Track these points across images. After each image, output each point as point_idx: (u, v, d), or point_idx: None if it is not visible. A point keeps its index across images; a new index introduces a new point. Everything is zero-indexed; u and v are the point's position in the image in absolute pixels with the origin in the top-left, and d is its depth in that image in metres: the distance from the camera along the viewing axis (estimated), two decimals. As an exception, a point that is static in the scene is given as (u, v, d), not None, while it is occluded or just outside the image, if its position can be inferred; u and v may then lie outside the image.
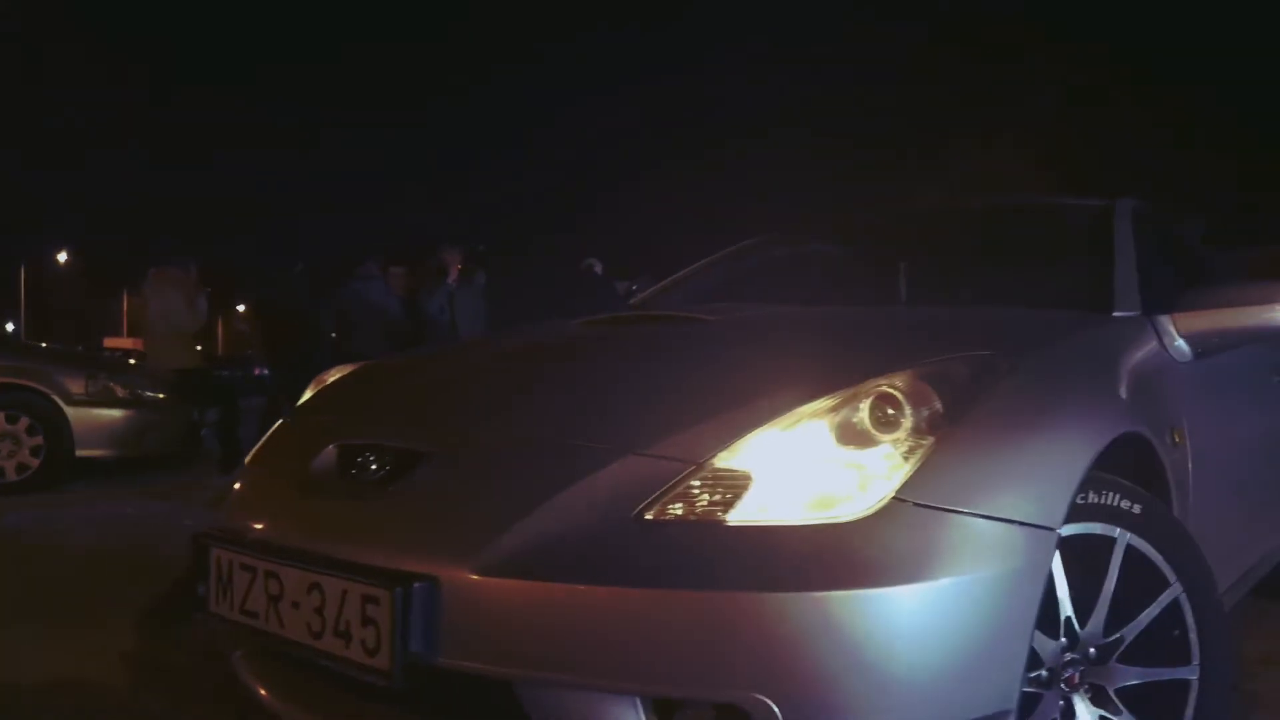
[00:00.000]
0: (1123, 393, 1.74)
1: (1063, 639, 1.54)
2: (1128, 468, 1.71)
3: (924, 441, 1.35)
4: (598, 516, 1.30)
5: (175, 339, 6.38)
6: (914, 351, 1.55)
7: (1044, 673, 1.52)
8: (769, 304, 2.33)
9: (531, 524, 1.30)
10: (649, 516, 1.29)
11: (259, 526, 1.59)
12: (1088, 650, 1.56)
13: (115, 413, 5.70)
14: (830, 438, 1.36)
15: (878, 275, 2.89)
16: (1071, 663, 1.55)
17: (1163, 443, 1.78)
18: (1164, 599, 1.61)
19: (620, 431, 1.43)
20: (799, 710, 1.19)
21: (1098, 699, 1.57)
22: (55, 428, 5.54)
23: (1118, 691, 1.59)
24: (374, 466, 1.53)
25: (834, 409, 1.38)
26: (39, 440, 5.52)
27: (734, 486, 1.31)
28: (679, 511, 1.29)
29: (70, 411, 5.56)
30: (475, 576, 1.26)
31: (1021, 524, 1.34)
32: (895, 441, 1.35)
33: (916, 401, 1.39)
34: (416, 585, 1.27)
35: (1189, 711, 1.62)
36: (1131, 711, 1.59)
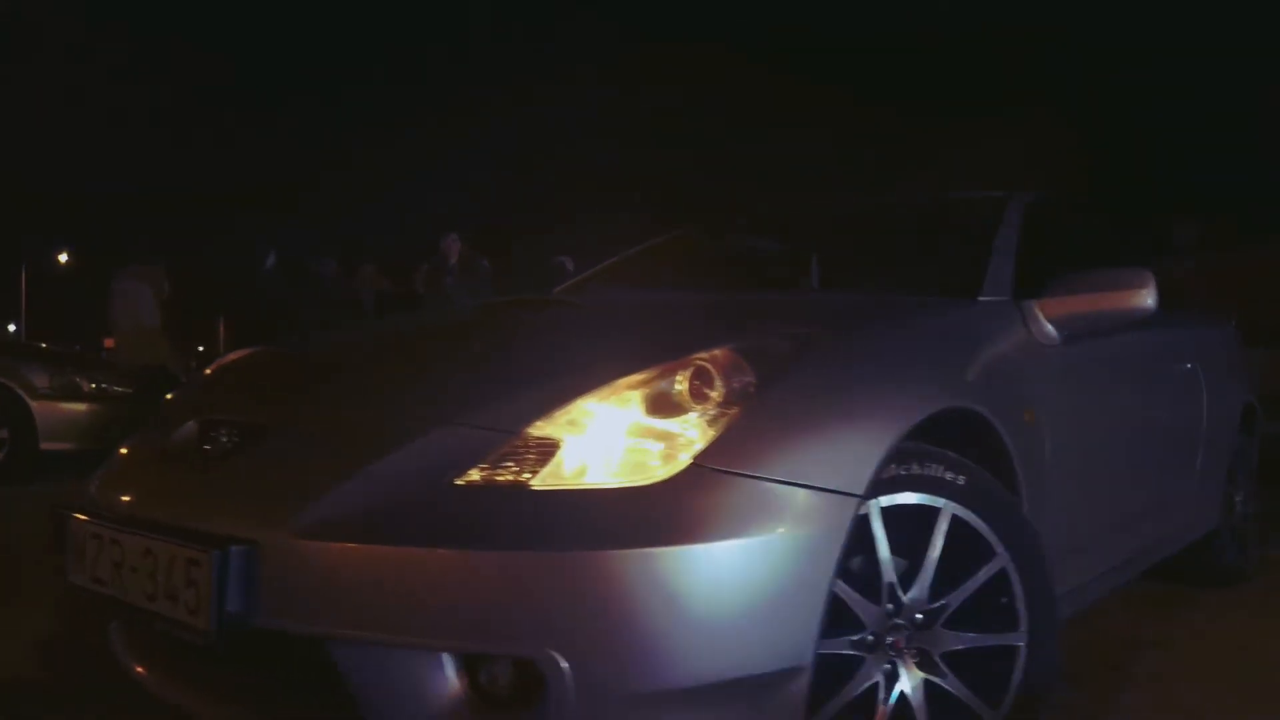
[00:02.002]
0: (960, 371, 1.81)
1: (887, 605, 1.60)
2: (970, 444, 1.78)
3: (730, 411, 1.42)
4: (413, 483, 1.36)
5: (142, 336, 6.47)
6: (743, 329, 1.62)
7: (868, 637, 1.58)
8: (652, 289, 2.40)
9: (349, 490, 1.37)
10: (460, 482, 1.36)
11: (113, 497, 1.66)
12: (913, 616, 1.62)
13: (80, 406, 5.79)
14: (641, 408, 1.43)
15: (790, 265, 2.97)
16: (897, 628, 1.61)
17: (1009, 422, 1.83)
18: (991, 567, 1.68)
19: (444, 403, 1.50)
20: (589, 664, 1.26)
21: (924, 664, 1.63)
22: (20, 421, 5.63)
23: (944, 656, 1.66)
24: (224, 440, 1.60)
25: (648, 381, 1.45)
26: (4, 434, 5.61)
27: (544, 453, 1.38)
28: (490, 477, 1.36)
29: (35, 405, 5.65)
30: (292, 540, 1.33)
31: (819, 489, 1.40)
32: (703, 411, 1.42)
33: (729, 374, 1.46)
34: (234, 548, 1.34)
35: (1016, 676, 1.69)
36: (959, 676, 1.66)
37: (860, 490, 1.45)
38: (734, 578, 1.32)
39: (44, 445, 5.70)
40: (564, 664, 1.25)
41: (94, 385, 5.91)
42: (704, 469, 1.35)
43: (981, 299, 2.14)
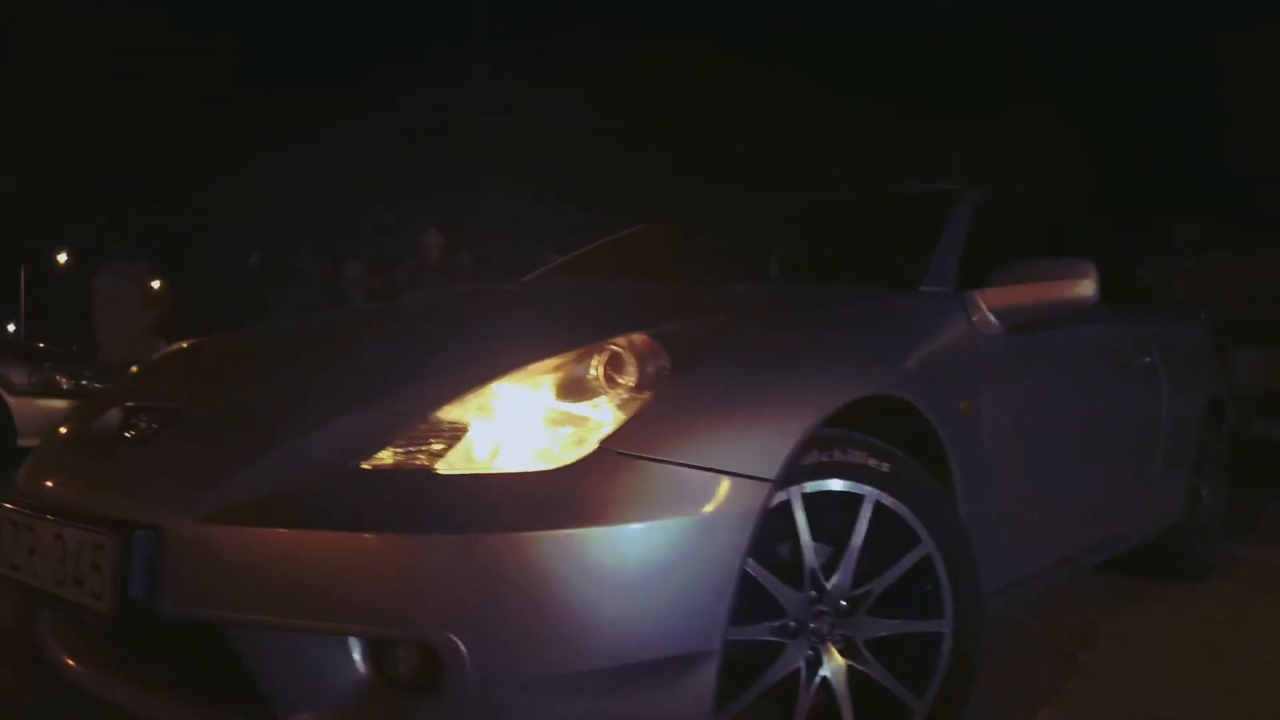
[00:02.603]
0: (889, 359, 1.80)
1: (810, 591, 1.60)
2: (904, 433, 1.78)
3: (642, 395, 1.42)
4: (318, 467, 1.36)
5: (126, 333, 6.46)
6: (666, 316, 1.62)
7: (790, 623, 1.58)
8: (605, 280, 2.41)
9: (254, 474, 1.36)
10: (366, 466, 1.36)
11: (34, 484, 1.66)
12: (837, 602, 1.62)
13: (59, 403, 5.78)
14: (552, 392, 1.43)
15: (750, 258, 2.97)
16: (820, 614, 1.61)
17: (941, 411, 1.83)
18: (915, 554, 1.68)
19: (356, 388, 1.50)
20: (488, 648, 1.26)
21: (848, 650, 1.63)
22: (-2, 417, 5.64)
23: (869, 642, 1.66)
24: (143, 426, 1.60)
25: (562, 365, 1.45)
26: (-18, 430, 5.62)
27: (452, 437, 1.37)
28: (396, 461, 1.36)
29: (13, 401, 5.65)
30: (196, 524, 1.33)
31: (729, 474, 1.40)
32: (613, 395, 1.42)
33: (644, 359, 1.46)
34: (138, 533, 1.33)
35: (941, 663, 1.69)
36: (884, 663, 1.66)
37: (773, 475, 1.44)
38: (638, 561, 1.32)
39: (22, 441, 5.70)
40: (463, 647, 1.24)
41: (73, 382, 5.91)
42: (610, 453, 1.35)
43: (923, 289, 2.14)
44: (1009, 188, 2.94)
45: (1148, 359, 2.94)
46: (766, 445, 1.46)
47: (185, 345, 2.26)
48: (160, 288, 7.05)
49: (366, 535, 1.29)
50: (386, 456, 1.36)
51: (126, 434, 1.61)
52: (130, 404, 1.69)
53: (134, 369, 2.15)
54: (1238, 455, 6.96)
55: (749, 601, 1.56)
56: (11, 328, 44.03)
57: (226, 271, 6.87)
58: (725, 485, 1.40)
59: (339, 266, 7.24)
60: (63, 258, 47.92)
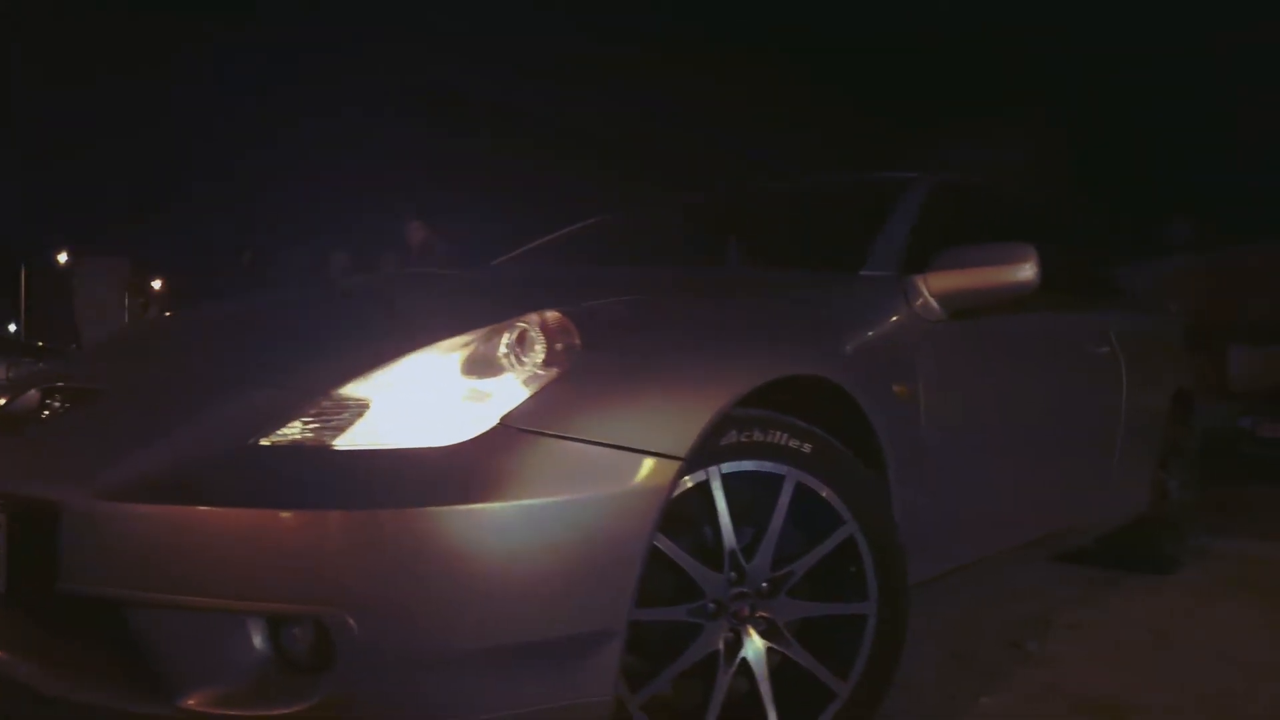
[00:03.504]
0: (815, 341, 1.79)
1: (730, 572, 1.59)
2: (837, 415, 1.77)
3: (549, 373, 1.40)
4: (217, 443, 1.35)
5: (106, 324, 6.47)
6: (584, 295, 1.61)
7: (710, 604, 1.57)
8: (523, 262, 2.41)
9: (153, 451, 1.36)
10: (266, 442, 1.35)
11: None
12: (758, 584, 1.61)
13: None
14: (457, 368, 1.42)
15: (707, 246, 2.97)
16: (740, 596, 1.60)
17: (872, 393, 1.82)
18: (838, 536, 1.67)
19: (261, 365, 1.49)
20: (383, 625, 1.25)
21: (769, 632, 1.62)
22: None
23: (792, 625, 1.64)
24: (56, 405, 1.59)
25: (470, 342, 1.44)
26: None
27: (354, 413, 1.36)
28: (294, 437, 1.35)
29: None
30: (93, 501, 1.32)
31: (635, 451, 1.39)
32: (521, 372, 1.41)
33: (554, 336, 1.45)
34: (33, 509, 1.33)
35: (865, 645, 1.68)
36: (807, 644, 1.64)
37: (682, 454, 1.43)
38: (537, 538, 1.30)
39: None
40: (354, 624, 1.23)
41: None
42: (511, 429, 1.33)
43: (863, 273, 2.12)
44: (966, 175, 2.93)
45: (1105, 349, 2.92)
46: (676, 424, 1.45)
47: (140, 321, 2.25)
48: (143, 280, 7.06)
49: (262, 512, 1.27)
50: (287, 433, 1.35)
51: (42, 414, 1.60)
52: (50, 385, 1.68)
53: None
54: (1224, 451, 6.99)
55: (666, 582, 1.55)
56: (12, 327, 44.13)
57: (217, 265, 6.88)
58: (631, 463, 1.38)
59: (325, 257, 7.24)
60: (63, 258, 48.10)
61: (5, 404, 1.72)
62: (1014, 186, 3.42)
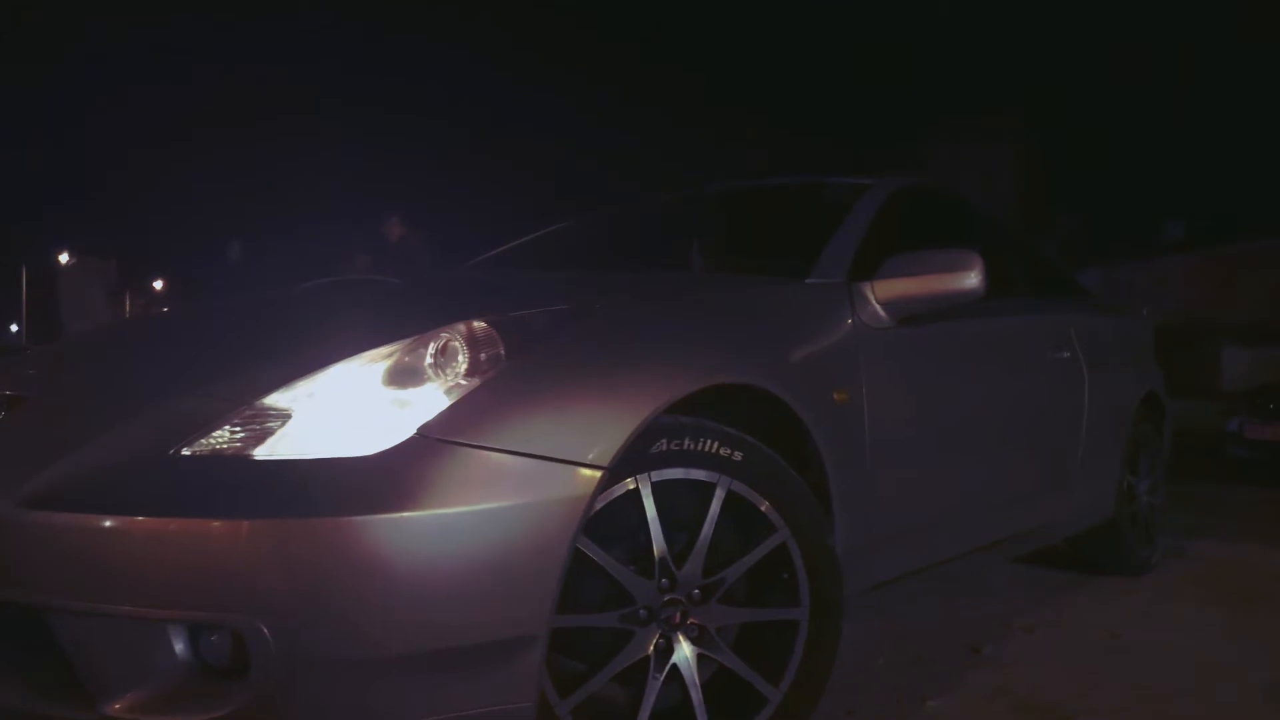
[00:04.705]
0: (751, 348, 1.81)
1: (662, 579, 1.61)
2: (777, 422, 1.79)
3: (469, 382, 1.42)
4: (139, 452, 1.37)
5: (91, 324, 6.50)
6: (506, 304, 1.63)
7: (641, 611, 1.59)
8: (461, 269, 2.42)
9: (76, 460, 1.37)
10: (187, 452, 1.37)
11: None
12: (689, 590, 1.63)
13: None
14: (380, 379, 1.43)
15: (666, 250, 2.99)
16: (672, 603, 1.62)
17: (809, 400, 1.83)
18: (770, 543, 1.68)
19: (185, 374, 1.51)
20: (297, 633, 1.26)
21: (701, 638, 1.64)
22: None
23: (725, 631, 1.66)
24: None
25: (394, 353, 1.46)
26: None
27: (273, 423, 1.38)
28: (215, 446, 1.37)
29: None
30: (14, 509, 1.34)
31: (556, 460, 1.40)
32: (442, 382, 1.43)
33: (477, 347, 1.47)
34: None
35: (797, 651, 1.69)
36: (738, 651, 1.66)
37: (606, 462, 1.45)
38: (453, 547, 1.32)
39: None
40: (267, 632, 1.25)
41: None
42: (429, 439, 1.35)
43: (809, 280, 2.14)
44: (928, 181, 2.94)
45: (1065, 352, 2.93)
46: (601, 433, 1.46)
47: (95, 328, 2.27)
48: (144, 282, 7.10)
49: (180, 520, 1.29)
50: (209, 442, 1.37)
51: None
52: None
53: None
54: (1216, 454, 6.99)
55: (599, 588, 1.57)
56: (14, 328, 44.15)
57: (206, 263, 6.91)
58: (552, 472, 1.40)
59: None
60: (64, 258, 48.10)
61: None
62: (970, 190, 3.43)
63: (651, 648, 1.59)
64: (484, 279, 2.22)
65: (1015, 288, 2.97)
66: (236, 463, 1.35)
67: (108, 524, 1.31)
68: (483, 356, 1.46)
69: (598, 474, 1.44)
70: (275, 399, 1.41)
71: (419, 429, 1.36)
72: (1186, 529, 4.21)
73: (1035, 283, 3.22)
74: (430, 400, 1.40)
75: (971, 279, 2.10)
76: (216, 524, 1.28)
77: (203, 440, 1.37)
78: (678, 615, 1.62)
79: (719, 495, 1.64)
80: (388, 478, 1.31)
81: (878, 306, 2.14)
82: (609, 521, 1.55)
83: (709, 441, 1.64)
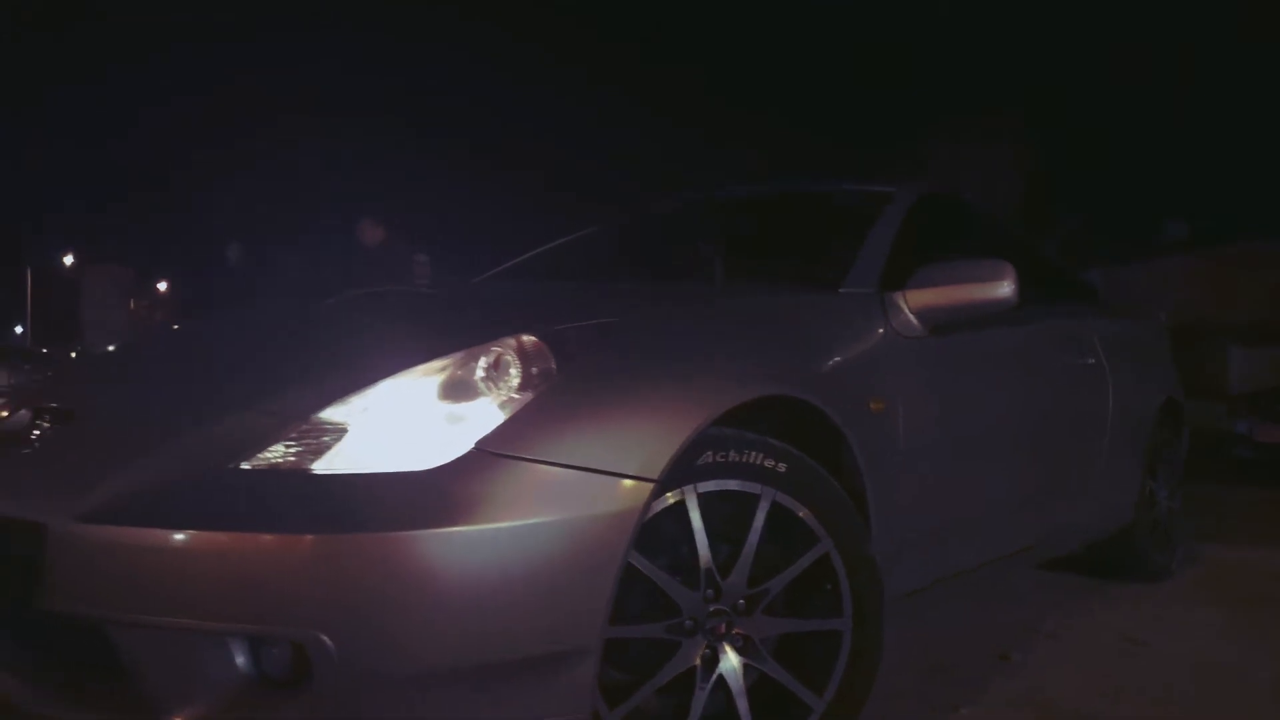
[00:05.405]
0: (790, 359, 1.82)
1: (706, 590, 1.62)
2: (815, 432, 1.80)
3: (522, 396, 1.44)
4: (198, 467, 1.39)
5: (110, 329, 6.53)
6: (560, 317, 1.64)
7: (687, 621, 1.60)
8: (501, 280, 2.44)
9: (136, 474, 1.39)
10: (246, 466, 1.38)
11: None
12: (734, 601, 1.64)
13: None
14: (434, 393, 1.45)
15: (689, 256, 3.00)
16: (717, 613, 1.63)
17: (847, 411, 1.84)
18: (813, 554, 1.69)
19: (240, 389, 1.53)
20: (358, 646, 1.28)
21: (746, 649, 1.65)
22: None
23: (768, 641, 1.67)
24: (45, 426, 1.63)
25: (447, 367, 1.47)
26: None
27: (329, 438, 1.40)
28: (273, 461, 1.38)
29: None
30: (76, 523, 1.35)
31: (609, 474, 1.42)
32: (496, 396, 1.44)
33: (528, 361, 1.48)
34: (18, 531, 1.36)
35: (840, 660, 1.71)
36: (783, 660, 1.68)
37: (656, 475, 1.46)
38: (511, 560, 1.34)
39: None
40: (330, 645, 1.27)
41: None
42: (486, 453, 1.37)
43: (842, 290, 2.15)
44: (947, 188, 2.95)
45: (1091, 360, 2.95)
46: (650, 446, 1.48)
47: (128, 341, 2.29)
48: (148, 285, 7.11)
49: (241, 535, 1.31)
50: (266, 457, 1.38)
51: (31, 434, 1.64)
52: (42, 404, 1.72)
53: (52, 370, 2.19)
54: (1222, 456, 7.00)
55: (644, 600, 1.58)
56: (19, 329, 44.18)
57: (214, 265, 6.93)
58: (605, 485, 1.42)
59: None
60: (68, 260, 48.15)
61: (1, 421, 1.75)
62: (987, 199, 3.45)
63: (699, 658, 1.61)
64: (520, 291, 2.23)
65: (1035, 294, 2.98)
66: (295, 477, 1.36)
67: (169, 538, 1.32)
68: (534, 370, 1.47)
69: (649, 487, 1.45)
70: (330, 413, 1.42)
71: (476, 443, 1.37)
72: (1197, 532, 4.22)
73: (1054, 289, 3.23)
74: (485, 414, 1.42)
75: (1005, 288, 2.11)
76: (277, 538, 1.30)
77: (260, 455, 1.39)
78: (723, 626, 1.63)
79: (763, 506, 1.65)
80: (447, 492, 1.33)
81: (910, 316, 2.15)
82: (654, 532, 1.56)
83: (754, 453, 1.65)
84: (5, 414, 1.74)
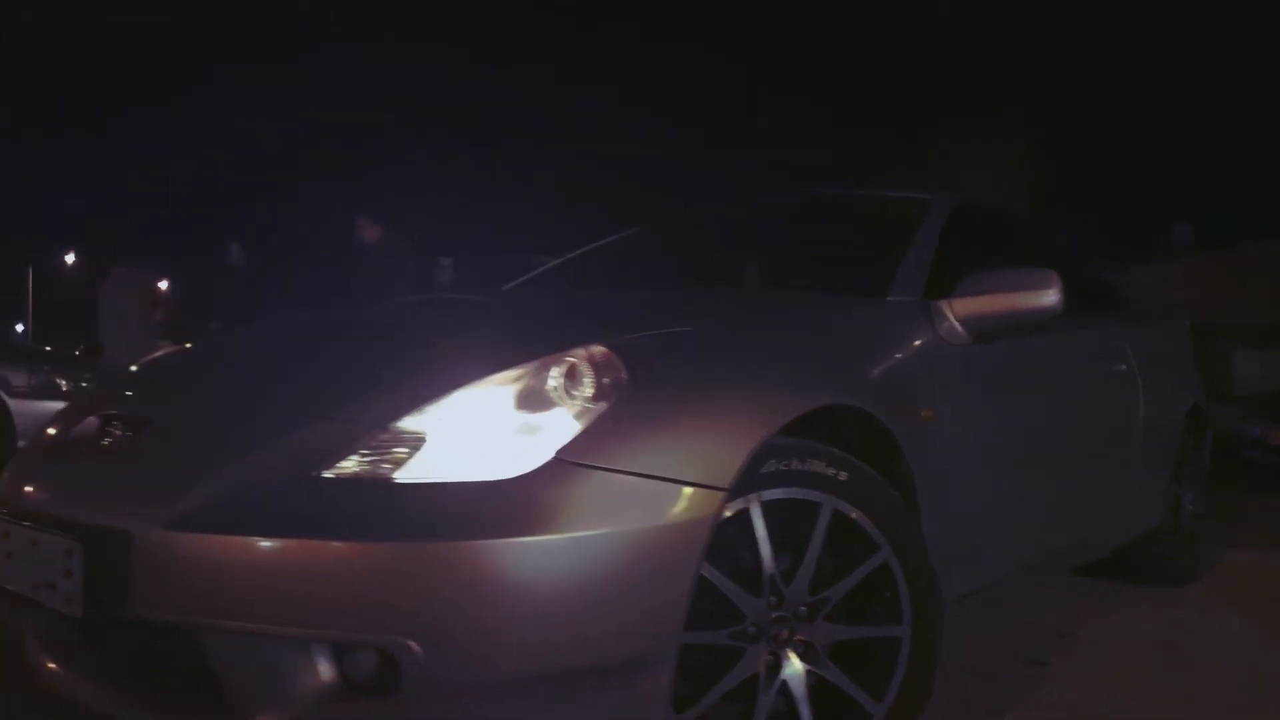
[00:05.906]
0: (847, 369, 1.84)
1: (770, 597, 1.64)
2: (865, 441, 1.82)
3: (597, 406, 1.46)
4: (281, 475, 1.40)
5: (131, 337, 6.52)
6: (626, 326, 1.66)
7: (750, 628, 1.62)
8: (580, 286, 2.46)
9: (220, 482, 1.40)
10: (328, 475, 1.40)
11: (14, 490, 1.70)
12: (796, 608, 1.66)
13: (58, 405, 5.85)
14: (510, 402, 1.46)
15: (729, 262, 3.02)
16: (779, 620, 1.65)
17: (901, 419, 1.87)
18: (873, 561, 1.71)
19: (319, 398, 1.54)
20: (444, 652, 1.30)
21: (807, 655, 1.67)
22: (-1, 419, 5.71)
23: (827, 648, 1.69)
24: (118, 433, 1.64)
25: (521, 376, 1.49)
26: (-18, 431, 5.69)
27: (411, 447, 1.41)
28: (354, 469, 1.40)
29: (13, 404, 5.73)
30: (162, 531, 1.37)
31: (682, 483, 1.44)
32: (571, 406, 1.46)
33: (601, 370, 1.50)
34: (107, 538, 1.38)
35: (900, 667, 1.72)
36: (843, 667, 1.69)
37: (726, 484, 1.48)
38: (591, 569, 1.35)
39: (22, 443, 5.78)
40: (418, 651, 1.28)
41: (72, 384, 5.99)
42: (565, 463, 1.38)
43: (889, 299, 2.17)
44: (981, 196, 2.97)
45: (1123, 366, 2.97)
46: (720, 455, 1.50)
47: (187, 347, 2.31)
48: (166, 291, 7.12)
49: (327, 543, 1.33)
50: (347, 466, 1.40)
51: (104, 441, 1.65)
52: (108, 412, 1.73)
53: (118, 376, 2.20)
54: (1229, 458, 7.04)
55: (709, 607, 1.60)
56: (20, 328, 44.15)
57: (215, 266, 6.93)
58: (679, 494, 1.43)
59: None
60: (70, 258, 48.08)
61: (64, 429, 1.77)
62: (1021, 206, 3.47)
63: (762, 664, 1.63)
64: (584, 298, 2.25)
65: (1074, 300, 3.01)
66: (376, 485, 1.38)
67: (255, 545, 1.34)
68: (606, 380, 1.49)
69: (720, 495, 1.47)
70: (408, 422, 1.44)
71: (557, 453, 1.39)
72: (1216, 536, 4.23)
73: (1086, 295, 3.25)
74: (561, 424, 1.43)
75: (1050, 296, 2.13)
76: (364, 546, 1.31)
77: (341, 463, 1.40)
78: (785, 632, 1.65)
79: (825, 514, 1.67)
80: (530, 501, 1.34)
81: (955, 324, 2.17)
82: (718, 540, 1.57)
83: (816, 462, 1.67)
84: (71, 423, 1.77)
